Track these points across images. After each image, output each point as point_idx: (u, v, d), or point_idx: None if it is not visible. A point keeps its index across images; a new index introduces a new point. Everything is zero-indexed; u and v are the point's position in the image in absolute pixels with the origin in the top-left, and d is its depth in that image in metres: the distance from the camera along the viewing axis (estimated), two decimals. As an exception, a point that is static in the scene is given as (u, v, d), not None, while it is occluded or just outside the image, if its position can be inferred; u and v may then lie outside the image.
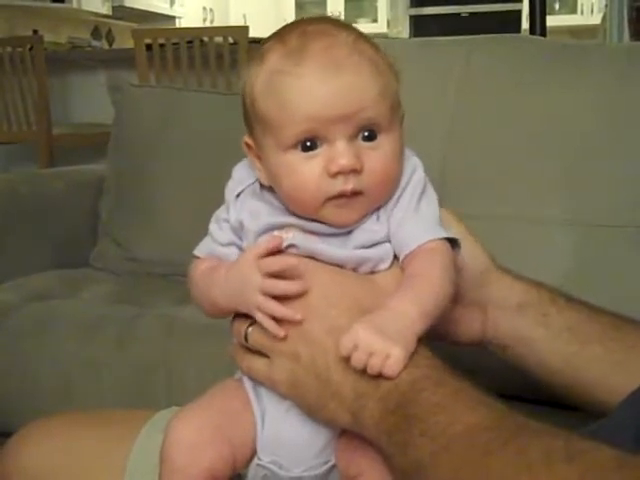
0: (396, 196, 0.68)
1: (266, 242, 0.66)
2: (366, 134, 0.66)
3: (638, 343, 0.72)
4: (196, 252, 0.73)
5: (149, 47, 3.36)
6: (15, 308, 1.47)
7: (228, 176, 0.75)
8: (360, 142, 0.66)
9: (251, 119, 0.69)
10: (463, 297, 0.72)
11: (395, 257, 0.68)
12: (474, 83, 1.21)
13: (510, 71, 1.21)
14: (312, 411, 0.65)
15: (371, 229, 0.68)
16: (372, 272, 0.68)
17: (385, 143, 0.67)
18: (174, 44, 3.32)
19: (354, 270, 0.68)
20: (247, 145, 0.71)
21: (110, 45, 5.58)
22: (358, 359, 0.58)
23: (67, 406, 1.30)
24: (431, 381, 0.58)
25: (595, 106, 1.13)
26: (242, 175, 0.73)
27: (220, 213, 0.73)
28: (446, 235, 0.67)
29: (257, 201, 0.71)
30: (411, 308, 0.61)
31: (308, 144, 0.65)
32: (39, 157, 3.60)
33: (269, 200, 0.70)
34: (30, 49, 3.53)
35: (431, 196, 0.70)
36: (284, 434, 0.68)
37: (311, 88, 0.64)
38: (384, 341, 0.58)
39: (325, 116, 0.64)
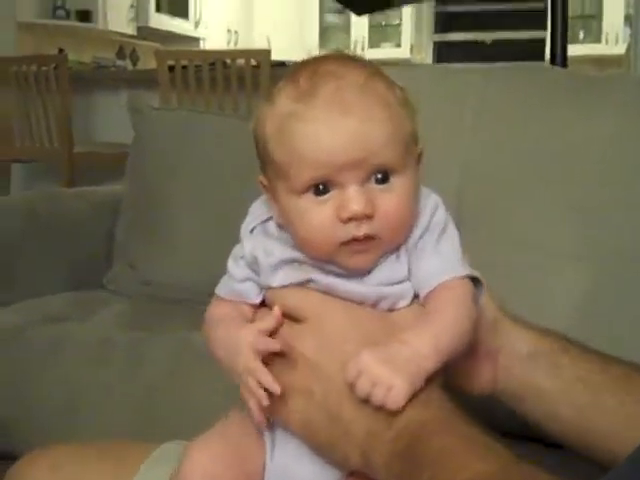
0: (417, 235, 0.67)
1: (268, 319, 0.65)
2: (379, 177, 0.64)
3: None
4: (216, 291, 0.73)
5: (172, 68, 3.38)
6: (25, 330, 1.46)
7: (246, 204, 0.74)
8: (373, 185, 0.64)
9: (264, 160, 0.68)
10: (474, 347, 0.70)
11: (416, 295, 0.67)
12: (491, 112, 1.20)
13: (527, 101, 1.19)
14: (322, 450, 0.64)
15: (391, 268, 0.67)
16: (391, 309, 0.67)
17: (398, 185, 0.65)
18: (196, 66, 3.34)
19: (373, 307, 0.67)
20: (262, 184, 0.70)
21: (134, 65, 5.63)
22: (361, 387, 0.58)
23: (72, 431, 1.28)
24: (442, 424, 0.57)
25: (613, 138, 1.11)
26: (257, 211, 0.73)
27: (236, 250, 0.72)
28: (467, 273, 0.65)
29: (271, 237, 0.70)
30: (423, 344, 0.60)
31: (321, 188, 0.64)
32: (60, 175, 3.63)
33: (284, 237, 0.69)
34: (55, 68, 3.57)
35: (452, 234, 0.68)
36: (292, 468, 0.67)
37: (321, 134, 0.63)
38: (389, 371, 0.58)
39: (336, 163, 0.63)
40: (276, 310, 0.66)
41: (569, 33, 2.11)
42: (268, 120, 0.66)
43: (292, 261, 0.68)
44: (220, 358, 0.68)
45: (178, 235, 1.71)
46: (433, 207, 0.68)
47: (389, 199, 0.64)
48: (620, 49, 5.55)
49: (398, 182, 0.65)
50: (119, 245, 1.83)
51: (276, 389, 0.62)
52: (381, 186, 0.64)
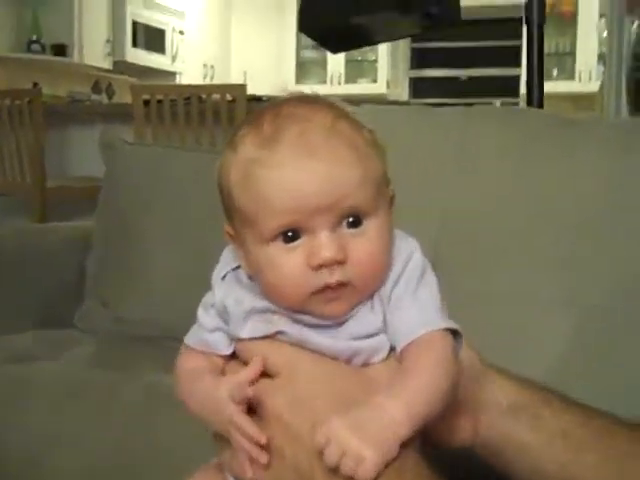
0: (392, 282, 0.63)
1: (245, 372, 0.62)
2: (350, 220, 0.61)
3: (632, 450, 0.66)
4: (185, 340, 0.69)
5: (147, 102, 3.36)
6: (-15, 371, 1.39)
7: (222, 241, 0.70)
8: (344, 230, 0.61)
9: (229, 209, 0.65)
10: (455, 402, 0.66)
11: (392, 348, 0.63)
12: (470, 154, 1.19)
13: (506, 145, 1.18)
14: None
15: (365, 319, 0.63)
16: (366, 364, 0.63)
17: (371, 228, 0.62)
18: (172, 100, 3.32)
19: (347, 362, 0.63)
20: (228, 233, 0.67)
21: (110, 99, 5.61)
22: (330, 456, 0.54)
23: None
24: None
25: (595, 183, 1.10)
26: (229, 257, 0.69)
27: (207, 298, 0.69)
28: (446, 325, 0.62)
29: (242, 286, 0.67)
30: (397, 408, 0.56)
31: (290, 234, 0.61)
32: (32, 210, 3.57)
33: (253, 286, 0.66)
34: (29, 102, 3.53)
35: (430, 281, 0.65)
36: None
37: (287, 180, 0.60)
38: (359, 442, 0.54)
39: (304, 208, 0.60)
40: (257, 361, 0.62)
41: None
42: (232, 168, 0.63)
43: (263, 311, 0.64)
44: (196, 413, 0.65)
45: (152, 272, 1.67)
46: (409, 251, 0.65)
47: (362, 244, 0.61)
48: (594, 86, 5.63)
49: (371, 225, 0.62)
50: (90, 281, 1.78)
51: (263, 439, 0.59)
52: (353, 230, 0.61)
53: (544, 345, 1.03)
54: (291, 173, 0.60)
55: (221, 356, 0.67)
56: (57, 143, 3.92)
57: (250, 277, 0.66)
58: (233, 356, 0.67)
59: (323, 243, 0.60)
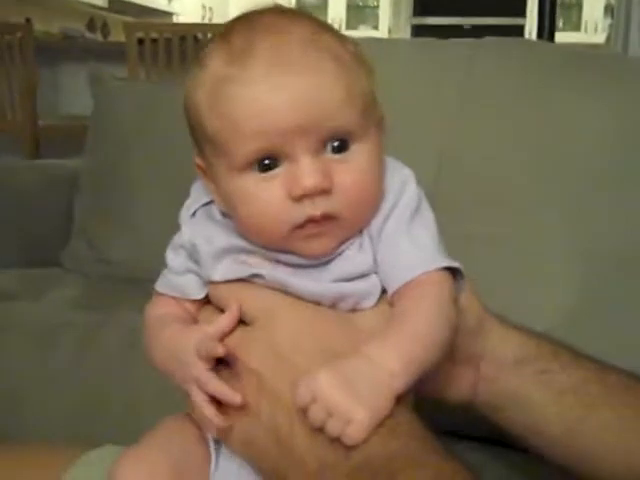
0: (382, 217, 0.57)
1: (221, 321, 0.56)
2: (335, 144, 0.55)
3: None
4: (155, 286, 0.63)
5: (141, 42, 3.27)
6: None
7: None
8: (329, 155, 0.55)
9: (198, 136, 0.58)
10: (453, 351, 0.60)
11: (383, 291, 0.57)
12: (477, 91, 1.10)
13: (517, 79, 1.09)
14: (267, 477, 0.55)
15: (353, 258, 0.57)
16: (354, 310, 0.57)
17: (359, 153, 0.55)
18: (167, 39, 3.23)
19: (333, 308, 0.57)
20: (198, 166, 0.60)
21: (105, 38, 5.47)
22: (315, 415, 0.49)
23: (15, 424, 1.18)
24: (410, 460, 0.48)
25: (609, 123, 1.01)
26: (200, 192, 0.63)
27: (176, 239, 0.62)
28: (446, 264, 0.55)
29: (213, 223, 0.60)
30: (391, 359, 0.50)
31: (266, 162, 0.54)
32: (24, 148, 3.50)
33: (227, 223, 0.60)
34: (20, 37, 3.44)
35: (426, 215, 0.59)
36: (239, 477, 0.58)
37: (260, 97, 0.53)
38: (349, 400, 0.48)
39: (280, 129, 0.53)
40: (232, 310, 0.56)
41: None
42: (199, 88, 0.56)
43: (237, 250, 0.58)
44: (160, 364, 0.59)
45: (138, 212, 1.62)
46: (402, 182, 0.58)
47: (349, 170, 0.55)
48: (599, 38, 5.55)
49: (359, 150, 0.55)
50: (77, 221, 1.73)
51: (237, 400, 0.53)
52: (339, 155, 0.55)
53: (553, 294, 0.96)
54: (263, 89, 0.53)
55: (193, 301, 0.61)
56: (49, 81, 3.85)
57: (224, 213, 0.60)
58: (208, 301, 0.61)
59: (305, 170, 0.53)
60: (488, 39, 1.18)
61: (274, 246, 0.57)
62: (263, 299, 0.57)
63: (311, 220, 0.54)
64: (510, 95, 1.09)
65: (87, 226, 1.70)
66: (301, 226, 0.54)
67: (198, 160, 0.60)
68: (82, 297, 1.49)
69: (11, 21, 4.47)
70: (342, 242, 0.57)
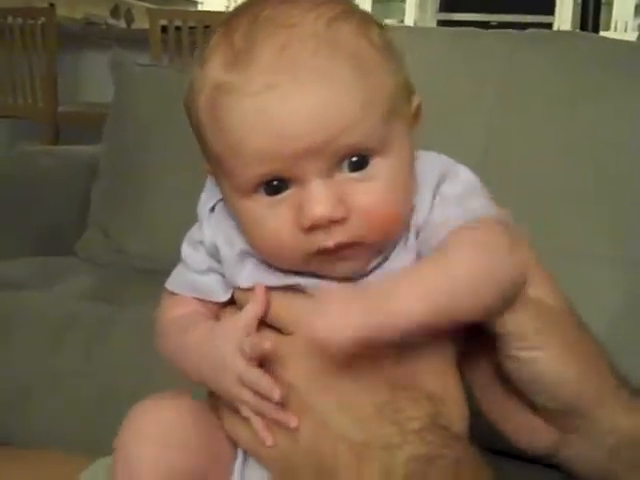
0: (427, 208, 0.50)
1: (250, 308, 0.50)
2: (354, 160, 0.47)
3: None
4: (169, 286, 0.56)
5: (165, 29, 3.23)
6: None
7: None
8: (345, 174, 0.47)
9: (201, 146, 0.52)
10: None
11: None
12: (517, 87, 1.04)
13: (560, 73, 1.02)
14: None
15: (398, 261, 0.50)
16: None
17: (380, 169, 0.48)
18: (191, 27, 3.18)
19: None
20: (208, 170, 0.55)
21: (129, 26, 5.43)
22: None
23: (23, 422, 1.14)
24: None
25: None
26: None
27: (193, 233, 0.56)
28: (503, 218, 0.47)
29: (233, 222, 0.54)
30: (405, 288, 0.43)
31: (274, 183, 0.47)
32: (43, 134, 3.46)
33: None
34: (43, 22, 3.40)
35: (480, 193, 0.51)
36: None
37: (261, 113, 0.45)
38: (342, 306, 0.42)
39: (287, 152, 0.46)
40: (259, 291, 0.50)
41: (579, 19, 2.00)
42: (199, 92, 0.50)
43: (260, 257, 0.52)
44: (187, 369, 0.53)
45: (155, 203, 1.57)
46: (442, 171, 0.51)
47: (369, 190, 0.47)
48: (630, 37, 5.48)
49: (380, 164, 0.48)
50: (93, 210, 1.69)
51: (293, 423, 0.47)
52: (356, 174, 0.47)
53: (595, 301, 0.90)
54: (266, 103, 0.45)
55: (215, 303, 0.55)
56: (71, 67, 3.81)
57: None
58: (229, 302, 0.55)
59: (314, 197, 0.46)
60: (530, 32, 1.11)
61: (292, 269, 0.51)
62: (300, 309, 0.50)
63: (324, 251, 0.48)
64: (550, 94, 1.03)
65: (103, 215, 1.66)
66: (318, 252, 0.48)
67: (207, 166, 0.54)
68: (95, 288, 1.45)
69: (35, 6, 4.45)
70: (374, 258, 0.50)
